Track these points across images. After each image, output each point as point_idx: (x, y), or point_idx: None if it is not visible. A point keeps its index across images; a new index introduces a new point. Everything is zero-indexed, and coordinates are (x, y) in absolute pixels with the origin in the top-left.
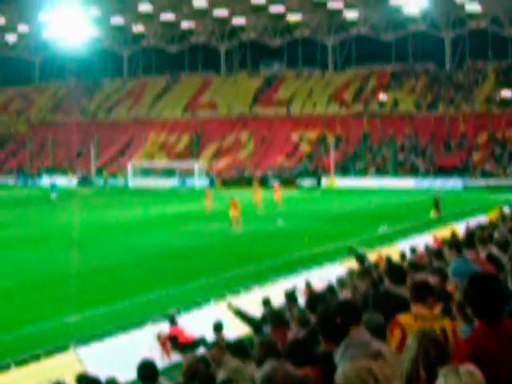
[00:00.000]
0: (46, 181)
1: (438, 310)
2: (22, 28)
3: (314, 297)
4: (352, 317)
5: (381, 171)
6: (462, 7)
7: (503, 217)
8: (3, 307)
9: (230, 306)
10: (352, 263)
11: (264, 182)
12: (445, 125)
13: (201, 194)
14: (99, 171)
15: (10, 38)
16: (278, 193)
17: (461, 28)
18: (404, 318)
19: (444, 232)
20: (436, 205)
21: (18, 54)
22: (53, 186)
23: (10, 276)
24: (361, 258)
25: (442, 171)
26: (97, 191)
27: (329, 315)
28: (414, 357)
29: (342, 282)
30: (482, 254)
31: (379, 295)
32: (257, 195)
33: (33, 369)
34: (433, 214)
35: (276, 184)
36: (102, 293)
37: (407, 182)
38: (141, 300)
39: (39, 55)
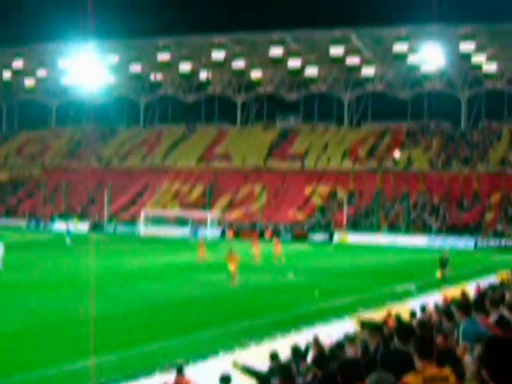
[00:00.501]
0: (58, 226)
1: (447, 371)
2: (41, 72)
3: (321, 353)
4: (353, 376)
5: (393, 228)
6: (478, 67)
7: None
8: (12, 350)
9: (235, 365)
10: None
11: (276, 235)
12: (458, 183)
13: (212, 244)
14: (111, 218)
15: (29, 81)
16: (278, 246)
17: (477, 88)
18: (412, 379)
19: (454, 291)
20: (442, 264)
21: (36, 97)
22: (68, 232)
23: (20, 320)
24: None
25: (455, 230)
26: (108, 238)
27: (331, 373)
28: None
29: (350, 338)
30: (493, 316)
31: (388, 353)
32: (256, 248)
33: None
34: (438, 274)
35: (275, 238)
36: (110, 340)
37: (419, 240)
38: (149, 348)
39: (56, 100)
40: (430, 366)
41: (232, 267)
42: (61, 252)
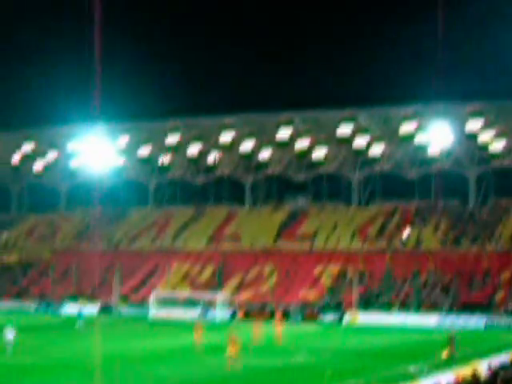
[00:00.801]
0: (68, 308)
1: None
2: (50, 155)
3: None
4: None
5: (404, 307)
6: (486, 145)
7: None
8: None
9: None
10: None
11: (286, 317)
12: (468, 262)
13: (222, 326)
14: (121, 300)
15: (38, 165)
16: (279, 327)
17: (485, 166)
18: None
19: (466, 371)
20: (450, 344)
21: (45, 180)
22: (79, 315)
23: None
24: None
25: (465, 308)
26: (118, 320)
27: None
28: None
29: None
30: None
31: None
32: (256, 330)
33: None
34: (444, 353)
35: (277, 318)
36: None
37: (430, 319)
38: None
39: (66, 183)
40: None
41: (232, 350)
42: (70, 335)
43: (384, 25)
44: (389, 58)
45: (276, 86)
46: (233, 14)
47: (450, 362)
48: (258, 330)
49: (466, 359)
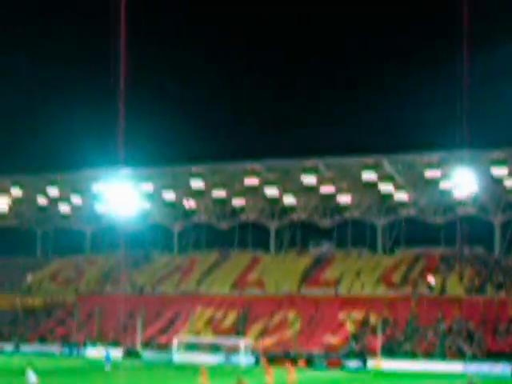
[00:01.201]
0: (91, 352)
1: None
2: (75, 199)
3: None
4: None
5: (428, 354)
6: (511, 193)
7: None
8: None
9: None
10: None
11: (310, 364)
12: (494, 309)
13: (246, 372)
14: (145, 344)
15: (63, 208)
16: (292, 374)
17: (510, 213)
18: None
19: None
20: None
21: (70, 224)
22: (107, 357)
23: None
24: None
25: (491, 356)
26: (143, 364)
27: None
28: None
29: None
30: None
31: None
32: (269, 376)
33: None
34: None
35: (289, 365)
36: None
37: (455, 367)
38: None
39: (91, 226)
40: None
41: None
42: (94, 378)
43: (409, 71)
44: (413, 104)
45: (301, 132)
46: (252, 57)
47: None
48: (271, 377)
49: None
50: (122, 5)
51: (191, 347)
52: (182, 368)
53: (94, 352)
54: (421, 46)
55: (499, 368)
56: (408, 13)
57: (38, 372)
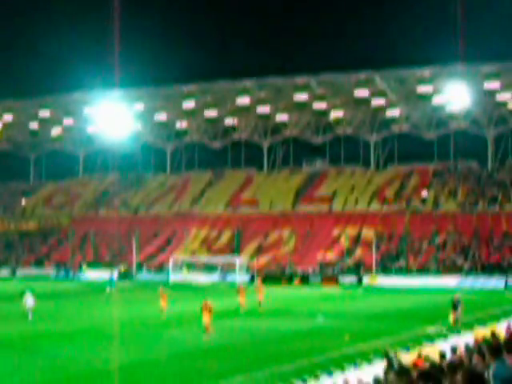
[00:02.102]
0: (86, 274)
1: None
2: (67, 122)
3: None
4: None
5: (423, 269)
6: (504, 105)
7: None
8: None
9: None
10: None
11: (305, 279)
12: (487, 223)
13: (244, 290)
14: (140, 265)
15: (55, 131)
16: (261, 291)
17: (503, 126)
18: None
19: (486, 332)
20: (455, 308)
21: (62, 147)
22: (110, 280)
23: (48, 369)
24: (390, 362)
25: (485, 269)
26: (138, 285)
27: None
28: None
29: (378, 381)
30: None
31: None
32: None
33: None
34: (451, 318)
35: (259, 283)
36: None
37: (450, 281)
38: None
39: (83, 149)
40: None
41: (206, 319)
42: (89, 301)
43: None
44: (405, 20)
45: (292, 50)
46: None
47: (473, 323)
48: (243, 297)
49: (486, 320)
50: None
51: (187, 267)
52: (176, 288)
53: (90, 274)
54: None
55: (494, 281)
56: None
57: (35, 295)
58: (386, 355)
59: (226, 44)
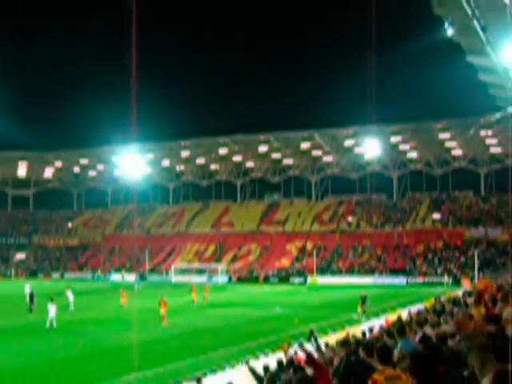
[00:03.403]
0: (113, 277)
1: (399, 371)
2: (100, 167)
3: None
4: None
5: (349, 271)
6: (404, 153)
7: (436, 305)
8: (82, 367)
9: (247, 363)
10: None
11: (267, 280)
12: (393, 239)
13: (222, 288)
14: (151, 270)
15: (91, 173)
16: (195, 293)
17: (404, 169)
18: (377, 376)
19: (393, 316)
20: (363, 302)
21: (97, 185)
22: (138, 281)
23: (86, 345)
24: (315, 340)
25: (392, 271)
26: (150, 285)
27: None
28: None
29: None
30: (418, 335)
31: (352, 362)
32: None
33: None
34: (359, 309)
35: (192, 286)
36: (150, 358)
37: (367, 280)
38: (174, 366)
39: (111, 186)
40: (388, 369)
41: (162, 310)
42: (115, 296)
43: (329, 69)
44: (336, 92)
45: (257, 114)
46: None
47: (384, 310)
48: (195, 294)
49: (393, 308)
50: None
51: (183, 271)
52: (177, 286)
53: (116, 277)
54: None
55: (398, 280)
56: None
57: (76, 292)
58: (311, 333)
59: (209, 111)
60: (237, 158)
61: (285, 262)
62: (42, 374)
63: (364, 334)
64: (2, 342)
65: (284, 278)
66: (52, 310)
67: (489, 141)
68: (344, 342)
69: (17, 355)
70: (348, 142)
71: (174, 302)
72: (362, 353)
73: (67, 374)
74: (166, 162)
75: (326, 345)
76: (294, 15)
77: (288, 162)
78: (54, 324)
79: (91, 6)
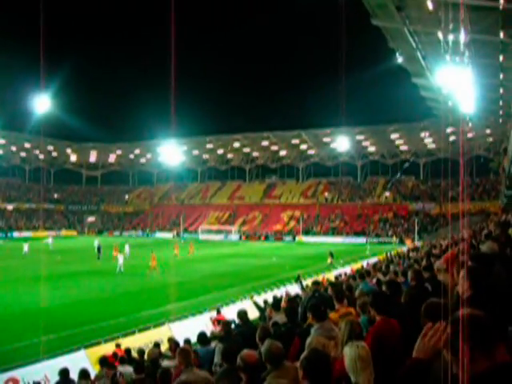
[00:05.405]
0: (158, 235)
1: (351, 309)
2: (148, 155)
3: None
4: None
5: (325, 233)
6: (365, 148)
7: (387, 258)
8: (136, 299)
9: (251, 297)
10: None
11: (267, 238)
12: (357, 209)
13: (236, 243)
14: (185, 230)
15: (142, 160)
16: (154, 260)
17: (365, 159)
18: (332, 315)
19: (356, 266)
20: (331, 256)
21: (146, 168)
22: (182, 237)
23: (138, 284)
24: (300, 282)
25: (356, 233)
26: (184, 240)
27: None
28: (346, 333)
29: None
30: (374, 279)
31: (315, 297)
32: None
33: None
34: (328, 261)
35: (152, 254)
36: (180, 294)
37: (338, 239)
38: (202, 299)
39: (156, 169)
40: (343, 307)
41: (153, 263)
42: (162, 247)
43: (313, 86)
44: (317, 104)
45: (261, 118)
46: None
47: (349, 261)
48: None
49: (355, 260)
50: None
51: (208, 231)
52: (203, 242)
53: (161, 235)
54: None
55: (359, 239)
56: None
57: (133, 246)
58: (298, 277)
59: (226, 116)
60: (246, 150)
61: (279, 226)
62: (106, 302)
63: (336, 277)
64: (78, 281)
65: (279, 237)
66: (120, 259)
67: (426, 139)
68: (315, 282)
69: (89, 289)
70: (326, 139)
71: (200, 252)
72: (330, 291)
73: (124, 303)
74: (195, 152)
75: (307, 286)
76: (297, 42)
77: (283, 153)
78: (122, 269)
79: (143, 33)
